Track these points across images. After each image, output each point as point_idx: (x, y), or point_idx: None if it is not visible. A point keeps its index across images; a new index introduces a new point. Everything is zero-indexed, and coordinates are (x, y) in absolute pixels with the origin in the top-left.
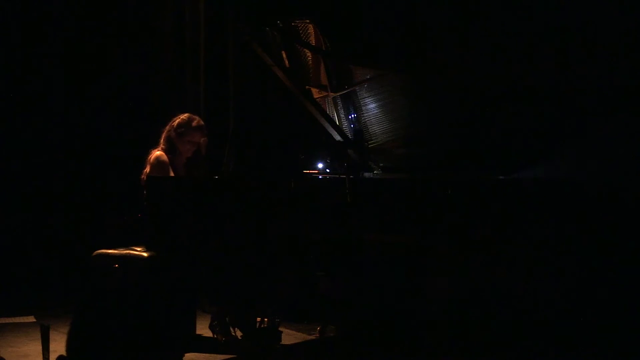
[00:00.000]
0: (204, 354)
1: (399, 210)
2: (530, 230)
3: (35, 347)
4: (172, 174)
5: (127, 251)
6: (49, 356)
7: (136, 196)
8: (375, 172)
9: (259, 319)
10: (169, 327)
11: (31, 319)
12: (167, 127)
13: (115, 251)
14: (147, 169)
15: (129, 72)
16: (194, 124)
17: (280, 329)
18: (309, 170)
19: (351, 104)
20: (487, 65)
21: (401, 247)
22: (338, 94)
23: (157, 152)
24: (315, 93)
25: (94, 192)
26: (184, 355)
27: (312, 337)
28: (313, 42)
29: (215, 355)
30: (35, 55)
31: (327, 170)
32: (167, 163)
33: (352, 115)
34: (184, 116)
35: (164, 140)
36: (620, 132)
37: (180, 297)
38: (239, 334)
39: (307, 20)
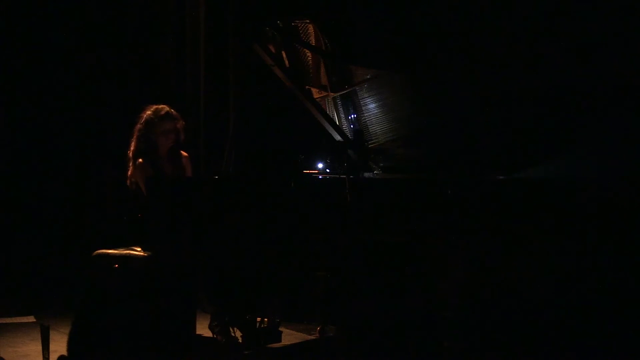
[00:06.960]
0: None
1: (399, 210)
2: (530, 230)
3: (35, 347)
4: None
5: (127, 251)
6: (49, 356)
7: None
8: (375, 172)
9: (259, 319)
10: (169, 327)
11: (31, 319)
12: (138, 126)
13: (115, 251)
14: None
15: (128, 72)
16: (162, 113)
17: (280, 329)
18: (309, 170)
19: (351, 104)
20: (488, 65)
21: (401, 247)
22: (338, 94)
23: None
24: (315, 93)
25: (94, 192)
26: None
27: (312, 337)
28: (313, 42)
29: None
30: (35, 56)
31: (327, 170)
32: (143, 163)
33: (352, 116)
34: (150, 110)
35: (139, 139)
36: (620, 132)
37: (180, 297)
38: (238, 334)
39: (307, 20)
